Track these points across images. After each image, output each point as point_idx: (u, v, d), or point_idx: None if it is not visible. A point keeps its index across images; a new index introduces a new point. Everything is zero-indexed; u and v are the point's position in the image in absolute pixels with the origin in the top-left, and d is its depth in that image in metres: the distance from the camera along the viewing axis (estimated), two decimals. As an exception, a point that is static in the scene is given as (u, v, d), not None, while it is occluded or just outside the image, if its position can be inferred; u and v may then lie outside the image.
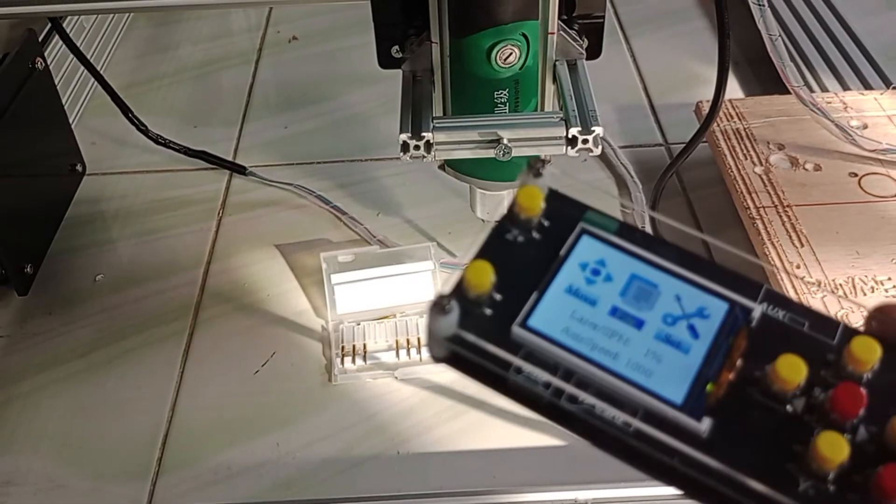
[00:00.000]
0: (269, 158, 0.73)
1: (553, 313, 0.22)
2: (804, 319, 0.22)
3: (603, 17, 0.50)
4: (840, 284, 0.52)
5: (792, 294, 0.51)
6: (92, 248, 0.65)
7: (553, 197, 0.24)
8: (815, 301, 0.51)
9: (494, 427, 0.51)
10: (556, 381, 0.21)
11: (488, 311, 0.22)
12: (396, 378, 0.54)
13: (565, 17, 0.50)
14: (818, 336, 0.22)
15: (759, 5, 0.50)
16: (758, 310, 0.22)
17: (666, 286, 0.22)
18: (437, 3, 0.47)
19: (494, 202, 0.53)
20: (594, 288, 0.22)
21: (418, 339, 0.55)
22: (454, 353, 0.21)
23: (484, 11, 0.42)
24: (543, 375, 0.21)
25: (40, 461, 0.51)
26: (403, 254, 0.59)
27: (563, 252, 0.23)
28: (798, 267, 0.53)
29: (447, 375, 0.54)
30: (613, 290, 0.22)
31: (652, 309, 0.22)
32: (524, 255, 0.23)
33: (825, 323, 0.22)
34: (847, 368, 0.21)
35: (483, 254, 0.23)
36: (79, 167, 0.70)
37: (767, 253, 0.54)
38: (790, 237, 0.56)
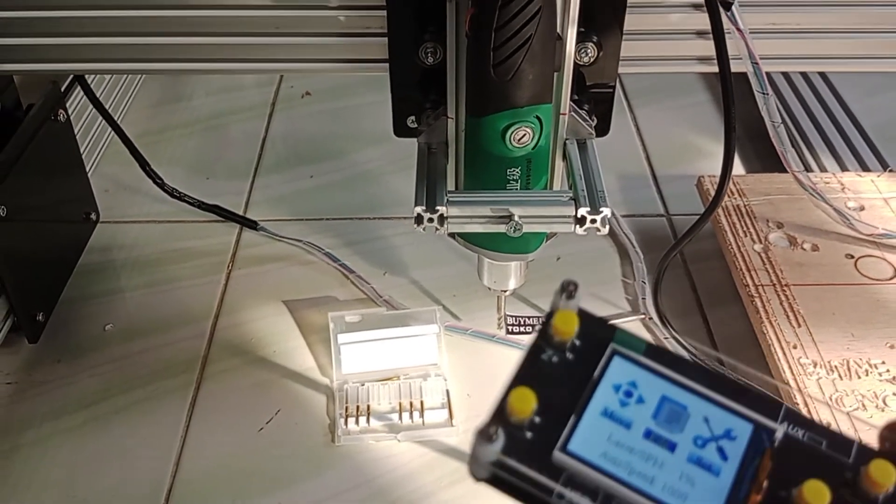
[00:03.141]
0: (280, 213, 0.75)
1: (591, 437, 0.23)
2: (822, 438, 0.23)
3: (613, 86, 0.53)
4: (835, 366, 0.53)
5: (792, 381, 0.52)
6: (102, 297, 0.66)
7: (584, 317, 0.25)
8: (810, 382, 0.52)
9: (496, 495, 0.51)
10: None
11: (529, 435, 0.23)
12: (399, 441, 0.55)
13: (576, 98, 0.52)
14: (835, 455, 0.23)
15: (763, 93, 0.52)
16: (780, 430, 0.23)
17: (694, 407, 0.24)
18: (455, 82, 0.49)
19: (501, 272, 0.54)
20: (628, 410, 0.23)
21: (421, 403, 0.56)
22: (496, 476, 0.22)
23: (501, 94, 0.44)
24: (585, 502, 0.22)
25: (43, 511, 0.51)
26: (409, 316, 0.60)
27: (596, 374, 0.24)
28: (795, 347, 0.55)
29: (449, 440, 0.55)
30: (646, 412, 0.23)
31: (683, 431, 0.23)
32: (560, 377, 0.24)
33: (841, 442, 0.23)
34: (865, 490, 0.22)
35: (523, 379, 0.24)
36: (93, 216, 0.72)
37: (765, 332, 0.56)
38: (787, 317, 0.57)
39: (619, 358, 0.24)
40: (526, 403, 0.23)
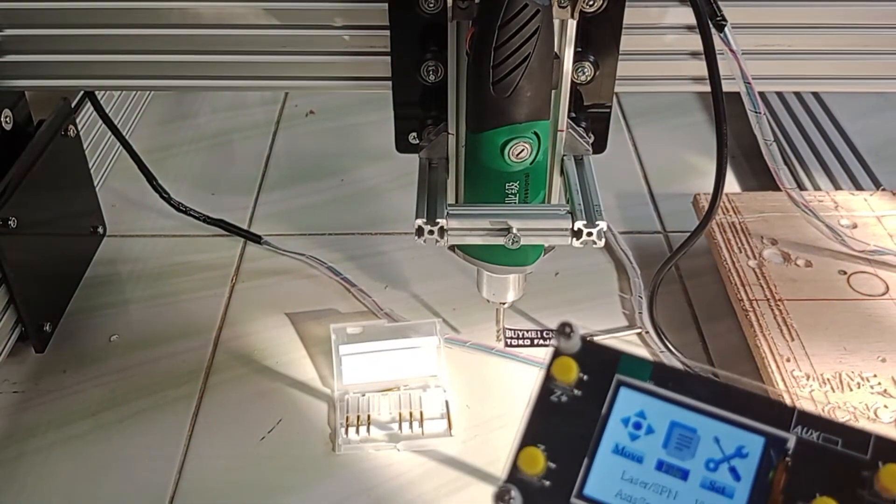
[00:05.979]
0: (283, 228, 0.76)
1: (605, 477, 0.23)
2: (837, 437, 0.23)
3: (610, 106, 0.54)
4: (828, 379, 0.54)
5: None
6: (108, 308, 0.67)
7: (587, 347, 0.25)
8: (803, 394, 0.53)
9: None
10: None
11: (546, 484, 0.23)
12: (398, 450, 0.56)
13: (573, 115, 0.53)
14: (852, 453, 0.23)
15: (756, 112, 0.54)
16: (792, 439, 0.23)
17: (704, 429, 0.24)
18: (455, 99, 0.50)
19: (500, 285, 0.55)
20: (639, 443, 0.23)
21: (420, 413, 0.57)
22: None
23: (500, 111, 0.45)
24: None
25: (47, 517, 0.52)
26: (410, 328, 0.61)
27: (604, 410, 0.24)
28: (788, 360, 0.56)
29: (449, 449, 0.55)
30: (656, 442, 0.23)
31: (694, 456, 0.23)
32: (570, 417, 0.24)
33: (858, 438, 0.23)
34: (880, 495, 0.22)
35: (531, 436, 0.24)
36: (100, 229, 0.73)
37: (759, 345, 0.57)
38: (781, 330, 0.58)
39: (626, 388, 0.24)
40: (535, 464, 0.23)
